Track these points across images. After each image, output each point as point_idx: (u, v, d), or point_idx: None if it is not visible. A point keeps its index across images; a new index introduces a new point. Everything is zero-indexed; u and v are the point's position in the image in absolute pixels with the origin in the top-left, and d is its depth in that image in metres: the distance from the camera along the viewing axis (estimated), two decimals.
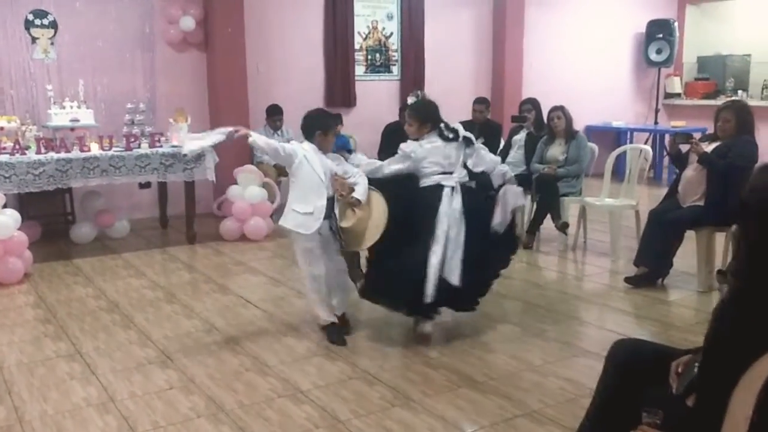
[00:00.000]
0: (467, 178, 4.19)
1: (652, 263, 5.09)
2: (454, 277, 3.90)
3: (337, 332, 4.11)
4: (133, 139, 6.29)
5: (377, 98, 8.85)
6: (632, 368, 2.23)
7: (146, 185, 7.10)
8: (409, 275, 3.87)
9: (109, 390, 3.49)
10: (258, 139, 3.91)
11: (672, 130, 9.85)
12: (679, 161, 5.19)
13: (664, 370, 2.16)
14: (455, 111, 8.82)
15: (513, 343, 4.07)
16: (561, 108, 6.36)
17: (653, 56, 10.54)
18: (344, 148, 7.84)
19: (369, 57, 8.84)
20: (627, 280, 5.11)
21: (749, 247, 1.79)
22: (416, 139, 4.18)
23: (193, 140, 4.18)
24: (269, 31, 8.14)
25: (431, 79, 9.10)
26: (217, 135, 3.96)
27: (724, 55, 11.20)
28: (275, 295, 5.04)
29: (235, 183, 6.84)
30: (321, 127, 4.06)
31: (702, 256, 4.99)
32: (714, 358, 1.81)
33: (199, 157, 6.44)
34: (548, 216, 6.19)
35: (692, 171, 5.02)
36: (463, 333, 4.22)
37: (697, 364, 2.00)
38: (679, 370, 2.06)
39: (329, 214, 3.98)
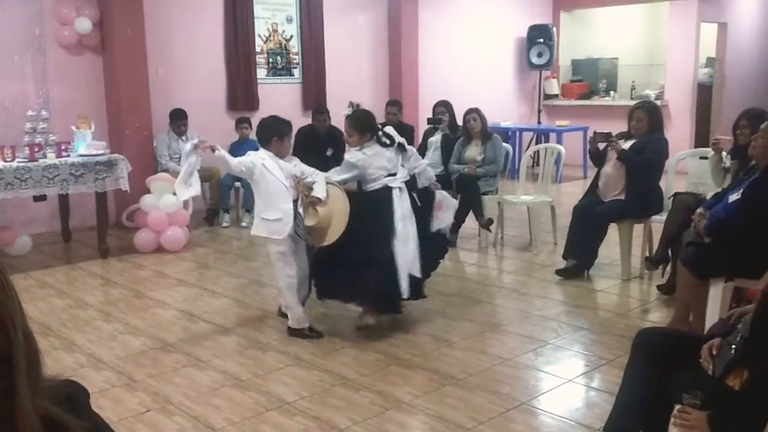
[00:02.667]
0: (408, 178, 4.42)
1: (580, 256, 5.40)
2: (416, 270, 4.18)
3: (312, 330, 4.23)
4: (37, 149, 5.86)
5: (280, 102, 8.71)
6: (660, 355, 2.39)
7: (41, 198, 6.60)
8: (380, 274, 4.06)
9: None
10: (225, 154, 4.04)
11: (557, 129, 10.46)
12: (598, 159, 5.54)
13: (690, 354, 2.33)
14: None
15: (474, 338, 4.19)
16: (476, 110, 6.58)
17: (534, 59, 11.10)
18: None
19: (270, 60, 8.71)
20: (558, 272, 5.39)
21: None
22: (359, 149, 4.35)
23: (183, 185, 4.08)
24: (169, 33, 7.82)
25: (332, 82, 9.11)
26: (191, 158, 3.98)
27: (595, 59, 12.01)
28: (218, 307, 4.88)
29: (146, 192, 6.53)
30: (277, 133, 4.19)
31: (625, 247, 5.35)
32: (766, 336, 1.98)
33: (111, 165, 6.12)
34: (469, 214, 6.40)
35: (611, 168, 5.36)
36: (425, 332, 4.30)
37: (733, 346, 2.18)
38: (714, 352, 2.23)
39: (294, 216, 4.08)
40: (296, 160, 4.28)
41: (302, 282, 4.25)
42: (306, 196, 4.06)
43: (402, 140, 4.48)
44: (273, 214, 4.05)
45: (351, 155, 4.36)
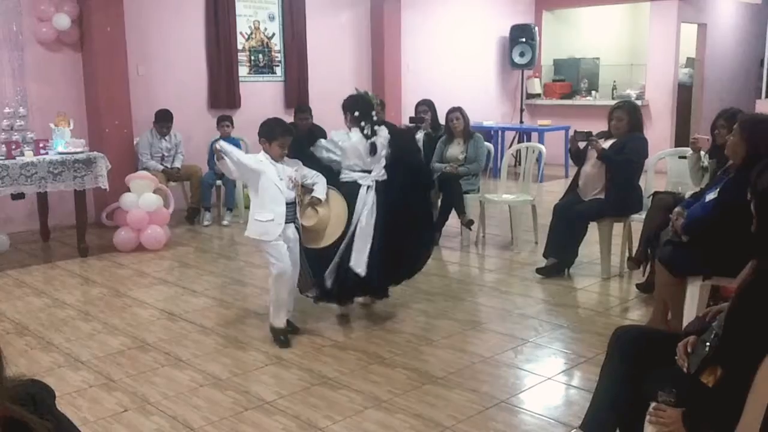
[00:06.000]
0: (385, 177, 4.41)
1: (560, 254, 5.42)
2: (361, 268, 4.19)
3: (285, 336, 4.12)
4: (14, 147, 5.80)
5: (262, 100, 8.70)
6: (637, 353, 2.40)
7: (20, 196, 6.51)
8: (321, 265, 4.23)
9: None
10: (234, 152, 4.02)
11: (539, 128, 10.51)
12: (578, 158, 5.56)
13: (666, 352, 2.35)
14: (340, 112, 8.93)
15: (455, 336, 4.20)
16: (459, 109, 6.59)
17: (517, 59, 11.14)
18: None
19: (252, 58, 8.67)
20: (538, 270, 5.41)
21: None
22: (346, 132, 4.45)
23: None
24: (149, 30, 7.76)
25: (314, 80, 9.09)
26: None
27: (577, 58, 12.07)
28: (199, 306, 4.85)
29: (126, 191, 6.48)
30: (264, 135, 4.12)
31: (605, 246, 5.38)
32: (739, 334, 2.00)
33: (90, 163, 6.06)
34: (451, 213, 6.42)
35: (591, 167, 5.39)
36: (406, 330, 4.30)
37: (708, 343, 2.20)
38: (689, 350, 2.25)
39: (293, 218, 4.09)
40: (299, 164, 4.21)
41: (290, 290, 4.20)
42: (302, 201, 4.13)
43: (380, 143, 4.40)
44: (265, 216, 4.01)
45: (336, 134, 4.43)
